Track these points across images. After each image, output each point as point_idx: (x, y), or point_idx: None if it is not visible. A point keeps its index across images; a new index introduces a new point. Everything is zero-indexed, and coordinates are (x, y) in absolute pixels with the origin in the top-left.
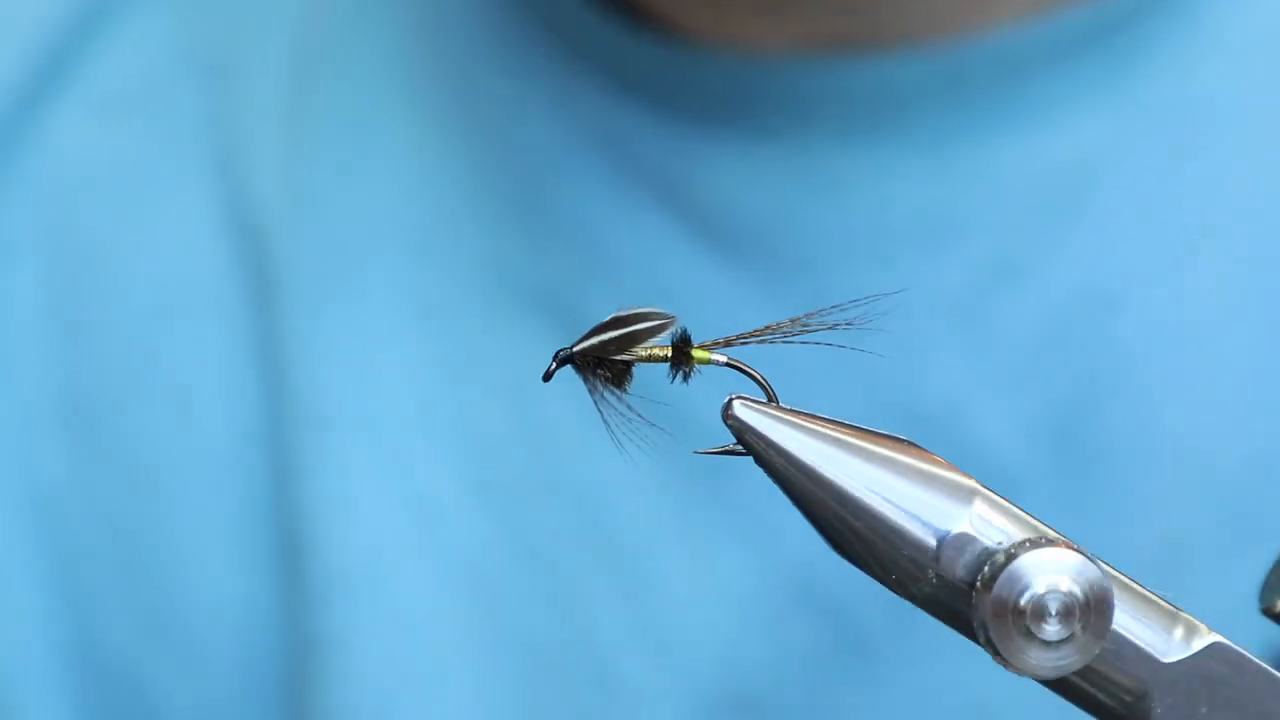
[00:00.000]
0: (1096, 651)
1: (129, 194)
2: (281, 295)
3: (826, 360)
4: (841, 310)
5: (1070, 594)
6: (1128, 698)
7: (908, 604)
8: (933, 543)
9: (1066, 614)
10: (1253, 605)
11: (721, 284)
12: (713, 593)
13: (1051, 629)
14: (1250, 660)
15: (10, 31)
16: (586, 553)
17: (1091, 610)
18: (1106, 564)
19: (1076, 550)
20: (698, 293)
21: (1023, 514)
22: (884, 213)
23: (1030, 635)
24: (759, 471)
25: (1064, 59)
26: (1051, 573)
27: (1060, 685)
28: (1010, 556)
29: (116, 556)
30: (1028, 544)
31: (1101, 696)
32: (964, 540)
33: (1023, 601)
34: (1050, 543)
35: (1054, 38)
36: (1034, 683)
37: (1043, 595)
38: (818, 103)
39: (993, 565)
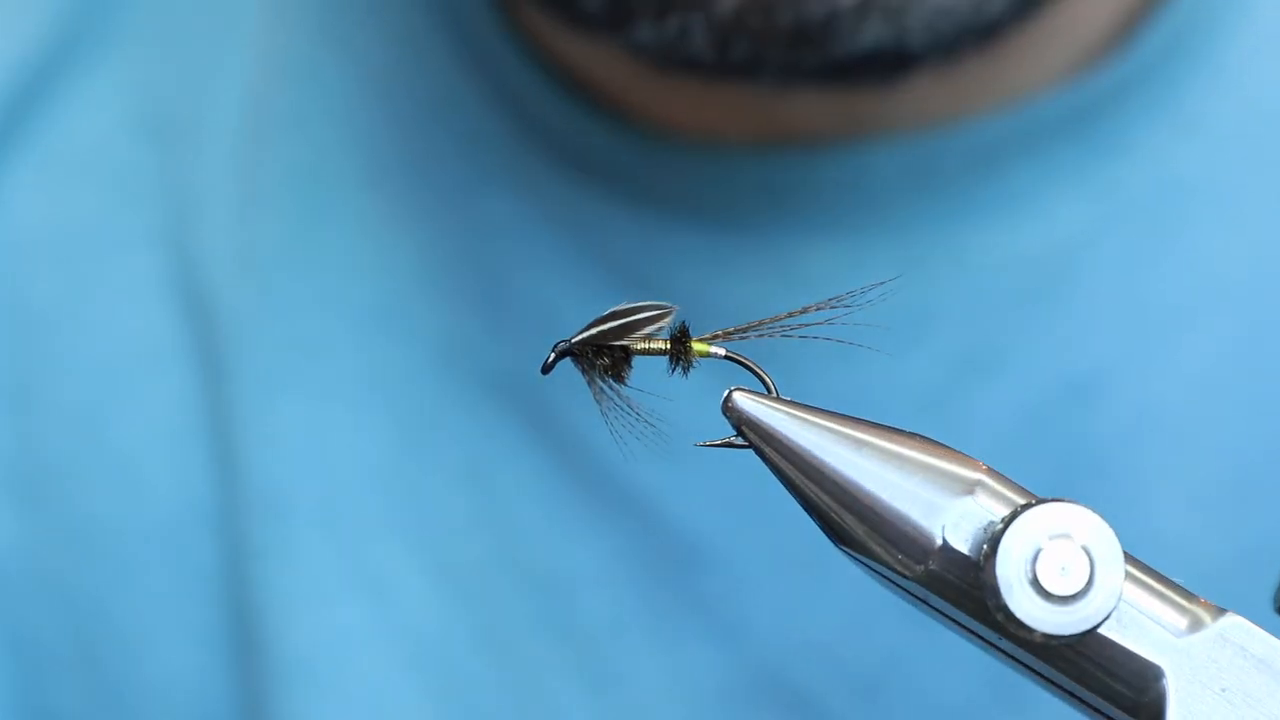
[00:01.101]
0: (1114, 603)
1: (78, 259)
2: (233, 368)
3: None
4: (840, 304)
5: (1076, 544)
6: (1142, 680)
7: (876, 691)
8: (935, 526)
9: (1076, 565)
10: None
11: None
12: (680, 686)
13: (1063, 582)
14: (1269, 639)
15: None
16: (550, 642)
17: (1101, 559)
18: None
19: (1075, 504)
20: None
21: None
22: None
23: (1044, 593)
24: (726, 561)
25: (1039, 146)
26: (1054, 526)
27: (1073, 671)
28: (1011, 519)
29: (67, 630)
30: (1026, 505)
31: (1116, 684)
32: (968, 519)
33: (1029, 558)
34: (1048, 500)
35: (1028, 126)
36: None
37: (1049, 549)
38: (787, 195)
39: (995, 533)
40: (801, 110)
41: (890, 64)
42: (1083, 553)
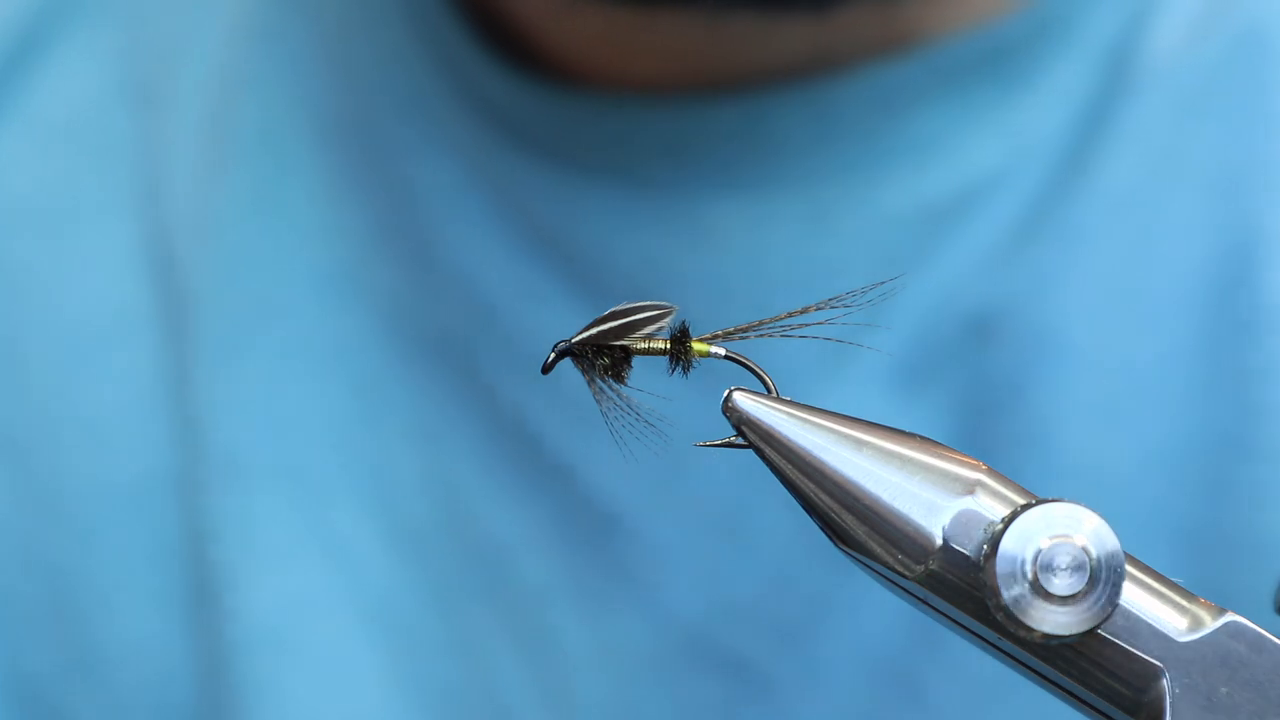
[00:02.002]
0: (1114, 604)
1: (57, 222)
2: (196, 332)
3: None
4: (840, 304)
5: (1076, 544)
6: (1142, 680)
7: (803, 642)
8: (935, 526)
9: (1076, 565)
10: None
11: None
12: (609, 651)
13: (1063, 582)
14: (1269, 639)
15: None
16: (490, 606)
17: (1101, 560)
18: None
19: (1076, 504)
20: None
21: (1033, 496)
22: (760, 259)
23: (1044, 594)
24: (649, 527)
25: (949, 90)
26: (1054, 526)
27: (1074, 672)
28: (1011, 519)
29: (39, 589)
30: (1026, 506)
31: (1116, 684)
32: (968, 519)
33: (1029, 558)
34: (1048, 501)
35: (938, 69)
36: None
37: (1049, 549)
38: (691, 147)
39: (995, 533)
40: (707, 48)
41: None
42: (1083, 553)
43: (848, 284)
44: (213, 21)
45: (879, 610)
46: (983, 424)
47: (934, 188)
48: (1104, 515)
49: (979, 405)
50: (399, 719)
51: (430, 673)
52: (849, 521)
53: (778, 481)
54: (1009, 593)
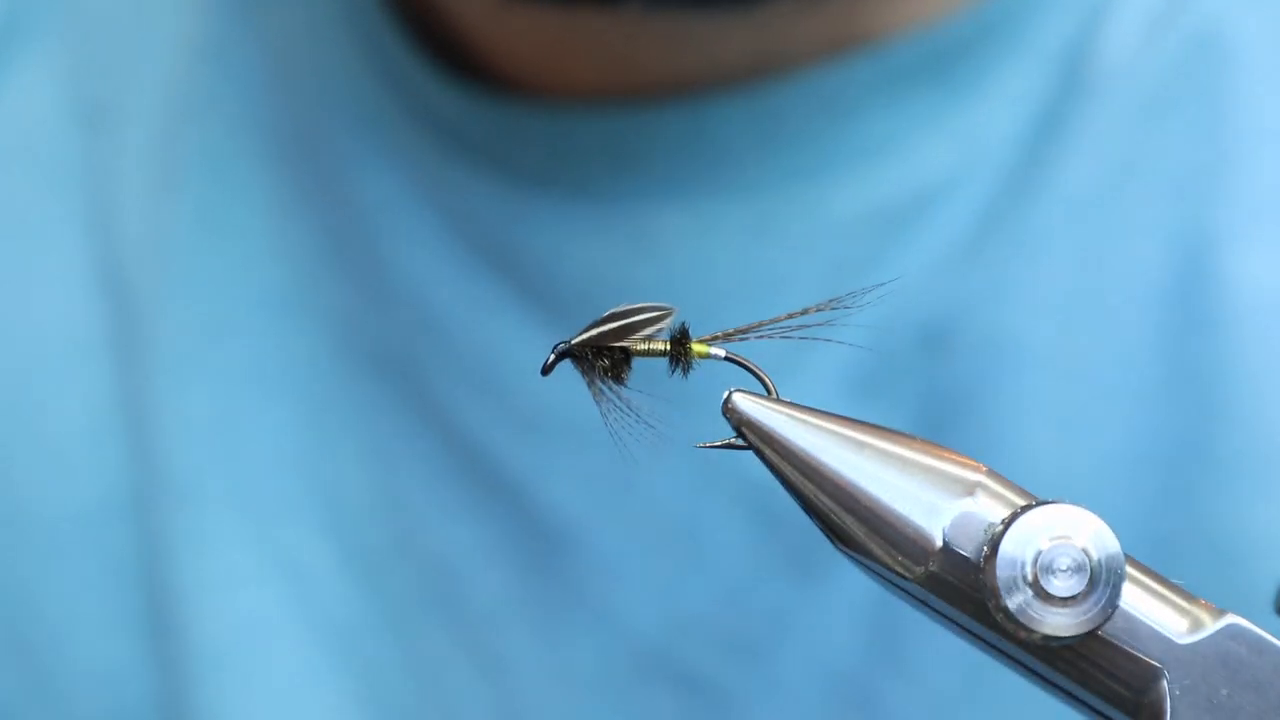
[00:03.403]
0: (1114, 605)
1: (7, 244)
2: (147, 354)
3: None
4: (839, 305)
5: (1076, 546)
6: (1142, 681)
7: (759, 655)
8: (935, 527)
9: (1076, 567)
10: None
11: (547, 344)
12: (561, 670)
13: (1064, 583)
14: (1270, 641)
15: None
16: (443, 625)
17: (1101, 561)
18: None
19: (1076, 505)
20: (523, 355)
21: (1033, 497)
22: (706, 269)
23: (1044, 595)
24: (598, 543)
25: (896, 93)
26: (1054, 528)
27: (1074, 673)
28: (1010, 521)
29: None
30: (1026, 507)
31: (1116, 685)
32: (968, 521)
33: (1029, 560)
34: (1048, 502)
35: (884, 72)
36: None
37: (1048, 550)
38: (634, 154)
39: (995, 534)
40: (643, 51)
41: None
42: (1083, 554)
43: (797, 292)
44: (161, 42)
45: (836, 624)
46: (939, 432)
47: (883, 192)
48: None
49: (935, 413)
50: None
51: (386, 693)
52: (849, 523)
53: (745, 490)
54: (1009, 594)
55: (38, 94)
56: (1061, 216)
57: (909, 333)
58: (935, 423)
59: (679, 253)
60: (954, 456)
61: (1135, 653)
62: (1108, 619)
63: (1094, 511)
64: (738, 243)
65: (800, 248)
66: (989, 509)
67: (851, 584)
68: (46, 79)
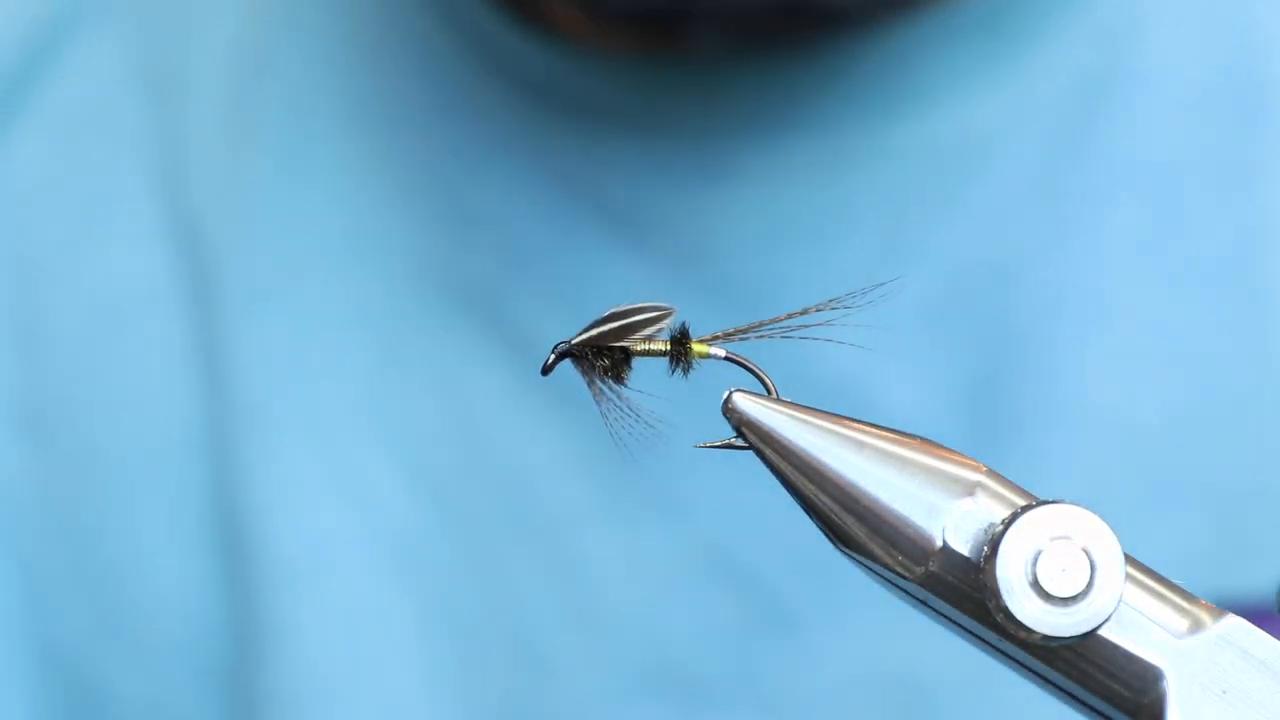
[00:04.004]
0: (1114, 605)
1: (80, 208)
2: (222, 297)
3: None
4: (840, 304)
5: (1076, 545)
6: (1142, 682)
7: (830, 576)
8: (935, 527)
9: (1076, 567)
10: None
11: (628, 271)
12: (635, 569)
13: (1063, 583)
14: (1269, 640)
15: None
16: (514, 534)
17: (1101, 561)
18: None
19: (1076, 505)
20: (604, 278)
21: (1033, 497)
22: (778, 201)
23: (1044, 595)
24: (677, 449)
25: (953, 44)
26: (1054, 528)
27: (1074, 673)
28: (1010, 520)
29: (71, 554)
30: (1026, 507)
31: (1116, 685)
32: (968, 521)
33: (1029, 560)
34: (1048, 502)
35: (944, 26)
36: (962, 653)
37: (1049, 550)
38: (711, 99)
39: (995, 534)
40: (718, 34)
41: None
42: (1083, 554)
43: (863, 224)
44: (222, 11)
45: None
46: (1002, 372)
47: (944, 132)
48: (1120, 470)
49: (999, 351)
50: (422, 651)
51: (453, 605)
52: (849, 523)
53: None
54: (1009, 594)
55: (107, 65)
56: (1125, 180)
57: (980, 270)
58: (999, 362)
59: (752, 185)
60: (954, 456)
61: (1135, 653)
62: (1107, 619)
63: (1094, 511)
64: (805, 175)
65: (866, 181)
66: (989, 509)
67: None
68: (116, 51)
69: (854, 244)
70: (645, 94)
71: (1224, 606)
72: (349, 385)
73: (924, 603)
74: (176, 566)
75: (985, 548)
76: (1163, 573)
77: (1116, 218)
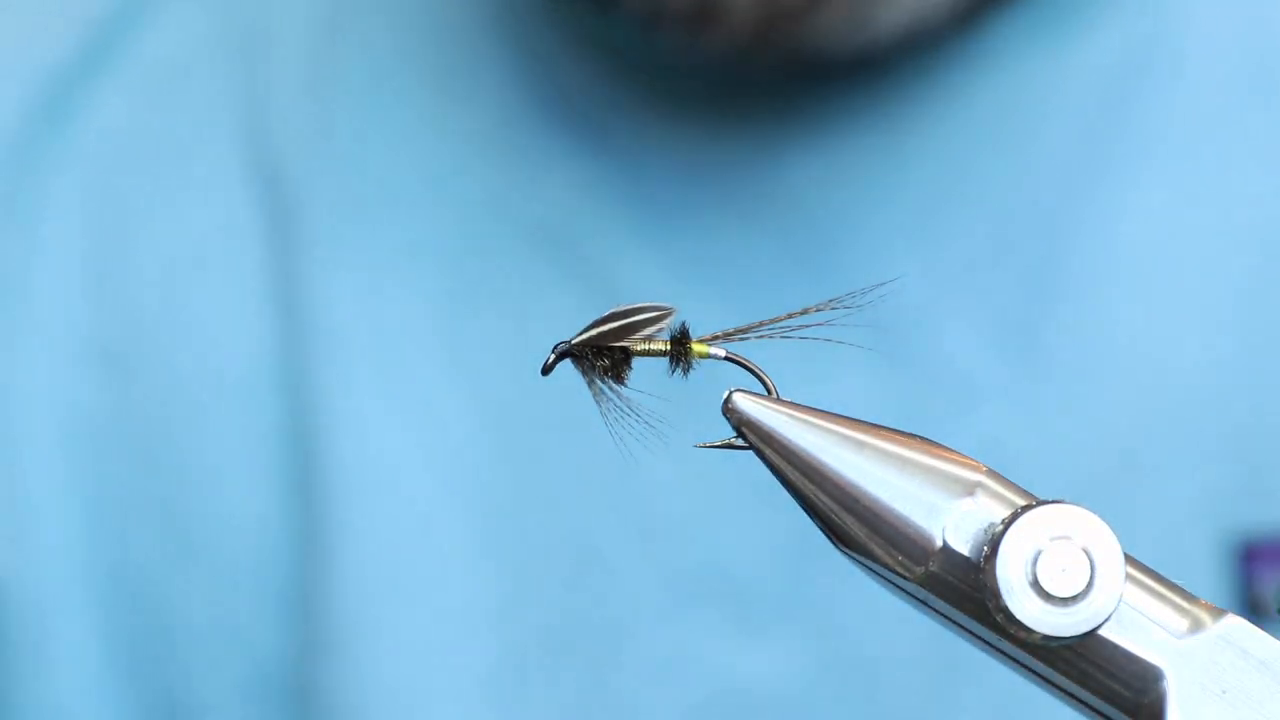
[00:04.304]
0: (1114, 605)
1: (163, 159)
2: (300, 233)
3: (795, 276)
4: (840, 304)
5: (1076, 545)
6: (1142, 681)
7: None
8: (935, 527)
9: (1076, 566)
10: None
11: (699, 214)
12: (693, 482)
13: (1063, 583)
14: (1269, 640)
15: (62, 16)
16: (574, 459)
17: (1101, 561)
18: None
19: (1076, 505)
20: (676, 217)
21: (1033, 497)
22: (840, 149)
23: (1044, 595)
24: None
25: (1014, 10)
26: (1054, 527)
27: (1074, 673)
28: (1010, 521)
29: (144, 481)
30: (1026, 507)
31: (1116, 685)
32: (968, 520)
33: (1029, 560)
34: (1048, 502)
35: None
36: None
37: (1048, 550)
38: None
39: (995, 534)
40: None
41: None
42: (1083, 554)
43: (920, 168)
44: None
45: None
46: (1041, 313)
47: (998, 93)
48: (1158, 418)
49: (1040, 293)
50: (480, 560)
51: (511, 519)
52: (849, 523)
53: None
54: (1009, 594)
55: (194, 24)
56: (1169, 140)
57: (1029, 221)
58: (1039, 303)
59: (824, 131)
60: (954, 456)
61: (1135, 652)
62: (1107, 618)
63: (1094, 511)
64: (869, 123)
65: (924, 129)
66: (989, 509)
67: None
68: (201, 11)
69: (912, 183)
70: (701, 52)
71: (1255, 546)
72: (419, 314)
73: (924, 603)
74: (246, 491)
75: (985, 548)
76: (1193, 523)
77: (1160, 176)
